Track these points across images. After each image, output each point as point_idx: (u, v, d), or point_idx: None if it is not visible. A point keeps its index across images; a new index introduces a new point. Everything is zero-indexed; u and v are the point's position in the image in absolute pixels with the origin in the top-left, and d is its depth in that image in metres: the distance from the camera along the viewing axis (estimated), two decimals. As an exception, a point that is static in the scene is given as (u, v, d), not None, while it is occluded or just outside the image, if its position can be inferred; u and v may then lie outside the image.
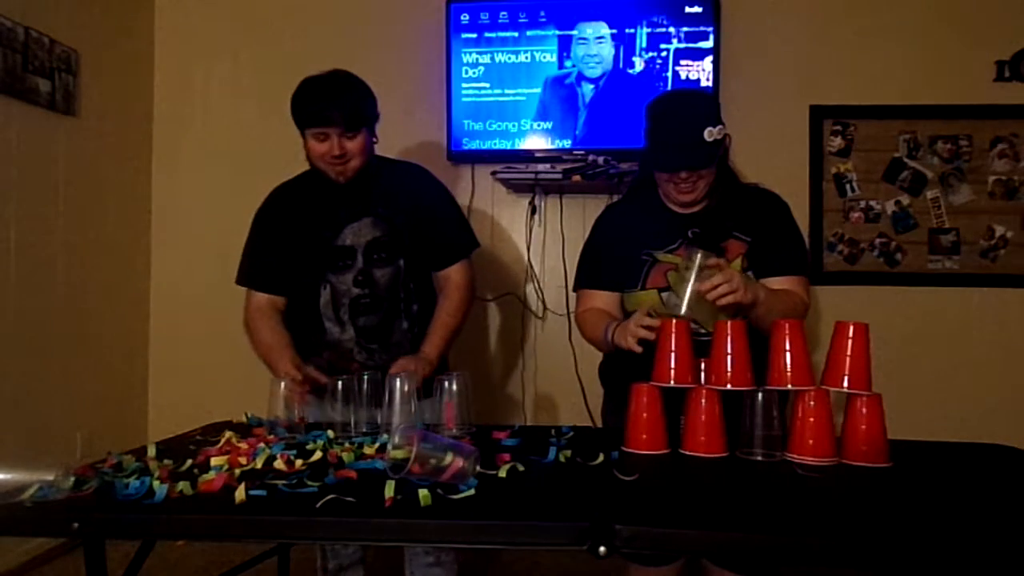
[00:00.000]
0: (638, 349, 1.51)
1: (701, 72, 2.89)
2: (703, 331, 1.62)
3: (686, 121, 1.61)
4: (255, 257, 1.97)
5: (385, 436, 1.48)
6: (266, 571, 1.90)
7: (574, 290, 1.88)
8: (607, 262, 1.78)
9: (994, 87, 2.93)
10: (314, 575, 2.03)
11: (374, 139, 1.88)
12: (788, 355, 1.39)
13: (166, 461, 1.34)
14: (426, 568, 1.97)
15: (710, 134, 1.59)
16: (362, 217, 1.87)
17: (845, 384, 1.38)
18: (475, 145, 3.00)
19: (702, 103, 1.71)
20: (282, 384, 1.65)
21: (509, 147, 2.98)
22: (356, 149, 1.80)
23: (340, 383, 1.60)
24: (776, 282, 1.68)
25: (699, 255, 1.51)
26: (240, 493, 1.13)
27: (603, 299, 1.78)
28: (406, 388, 1.57)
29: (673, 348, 1.46)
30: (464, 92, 3.00)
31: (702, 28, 2.89)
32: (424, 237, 1.92)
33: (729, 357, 1.42)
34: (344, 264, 1.87)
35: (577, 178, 2.81)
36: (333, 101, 1.76)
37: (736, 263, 1.66)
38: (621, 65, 2.93)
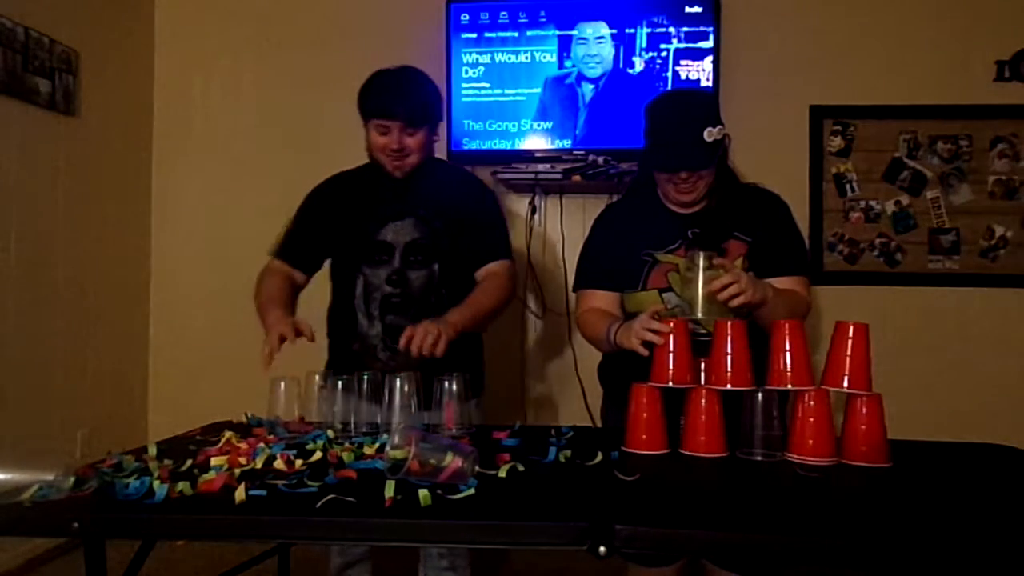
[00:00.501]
0: (643, 352, 1.51)
1: (701, 72, 2.89)
2: (702, 331, 1.62)
3: (686, 121, 1.61)
4: (294, 234, 1.99)
5: (385, 436, 1.48)
6: (266, 571, 1.90)
7: (574, 290, 1.87)
8: (607, 262, 1.77)
9: (994, 87, 2.93)
10: (314, 575, 2.04)
11: (435, 137, 1.90)
12: (788, 355, 1.39)
13: (166, 461, 1.34)
14: (440, 571, 1.97)
15: (710, 134, 1.59)
16: (405, 216, 1.88)
17: (845, 384, 1.38)
18: (475, 145, 3.00)
19: (701, 103, 1.71)
20: (282, 384, 1.65)
21: (509, 147, 2.98)
22: (415, 145, 1.81)
23: (340, 383, 1.60)
24: (777, 283, 1.67)
25: (701, 256, 1.52)
26: (240, 493, 1.13)
27: (603, 299, 1.77)
28: (406, 388, 1.57)
29: (672, 348, 1.46)
30: (464, 92, 3.00)
31: (702, 28, 2.89)
32: (462, 242, 1.92)
33: (729, 357, 1.42)
34: (380, 259, 1.88)
35: (577, 178, 2.81)
36: (398, 95, 1.79)
37: (737, 263, 1.66)
38: (621, 65, 2.93)
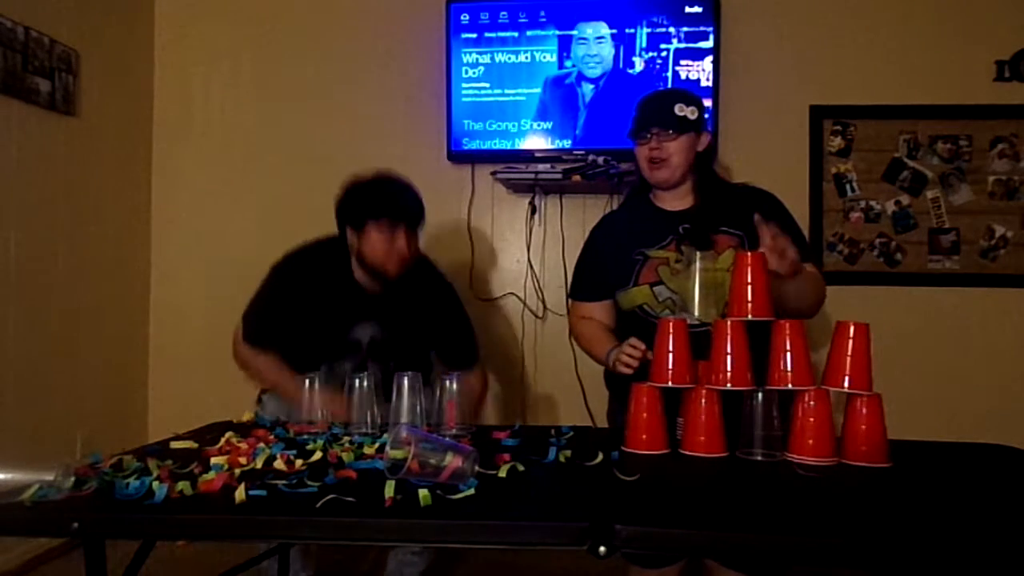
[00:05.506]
0: (627, 371, 1.57)
1: (701, 72, 2.89)
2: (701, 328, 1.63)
3: (662, 98, 1.78)
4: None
5: (386, 436, 1.48)
6: (266, 571, 1.90)
7: (570, 299, 1.91)
8: (602, 270, 1.82)
9: (994, 87, 2.93)
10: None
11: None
12: (788, 355, 1.39)
13: (166, 461, 1.34)
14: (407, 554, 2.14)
15: (680, 109, 1.70)
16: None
17: (846, 384, 1.38)
18: (475, 145, 3.00)
19: (683, 92, 1.84)
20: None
21: (509, 147, 2.98)
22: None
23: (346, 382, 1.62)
24: None
25: (698, 256, 1.53)
26: (240, 493, 1.13)
27: (598, 309, 1.83)
28: (409, 387, 1.58)
29: (671, 348, 1.46)
30: (464, 92, 3.00)
31: (702, 28, 2.88)
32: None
33: (729, 357, 1.42)
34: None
35: (577, 178, 2.81)
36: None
37: (727, 255, 1.68)
38: (621, 65, 2.93)
